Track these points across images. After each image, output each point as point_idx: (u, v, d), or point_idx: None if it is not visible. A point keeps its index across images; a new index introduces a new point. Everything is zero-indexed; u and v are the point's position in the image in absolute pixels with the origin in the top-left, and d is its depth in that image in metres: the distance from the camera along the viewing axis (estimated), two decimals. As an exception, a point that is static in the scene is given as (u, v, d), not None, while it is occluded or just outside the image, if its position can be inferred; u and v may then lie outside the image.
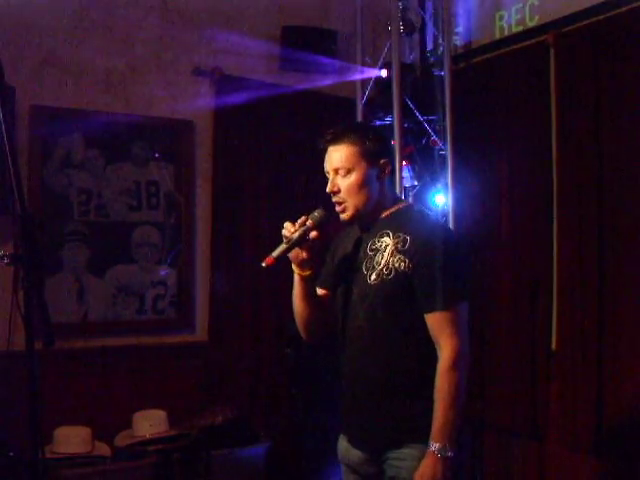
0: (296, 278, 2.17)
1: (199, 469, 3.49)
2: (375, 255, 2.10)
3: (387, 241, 2.10)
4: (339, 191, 2.12)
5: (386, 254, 2.08)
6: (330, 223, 2.13)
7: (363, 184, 2.11)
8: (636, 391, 3.20)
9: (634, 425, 3.21)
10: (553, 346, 3.62)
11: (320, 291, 2.28)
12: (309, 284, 2.17)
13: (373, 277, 2.08)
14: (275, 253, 2.05)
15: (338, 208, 2.15)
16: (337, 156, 2.12)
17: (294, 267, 2.14)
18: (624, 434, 3.26)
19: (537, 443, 3.68)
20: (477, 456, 3.96)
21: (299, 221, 2.09)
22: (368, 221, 2.18)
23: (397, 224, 2.12)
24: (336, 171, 2.12)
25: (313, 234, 2.07)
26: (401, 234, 2.08)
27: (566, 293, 3.54)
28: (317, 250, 2.11)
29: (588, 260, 3.41)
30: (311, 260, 2.11)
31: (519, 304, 3.77)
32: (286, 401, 4.03)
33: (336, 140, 2.13)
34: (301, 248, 2.08)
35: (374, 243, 2.13)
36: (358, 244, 2.19)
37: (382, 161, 2.14)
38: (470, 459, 3.95)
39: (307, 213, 2.10)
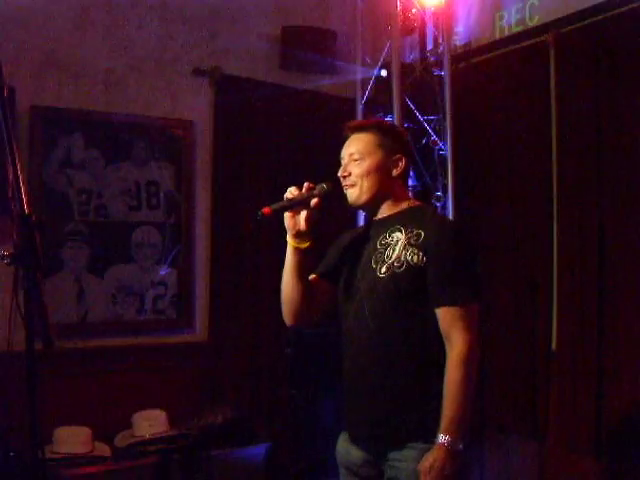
0: (290, 251, 2.14)
1: (199, 469, 3.49)
2: (386, 249, 2.10)
3: (399, 236, 2.09)
4: (349, 175, 2.15)
5: (398, 248, 2.07)
6: (334, 197, 2.13)
7: (374, 171, 2.13)
8: (636, 391, 3.20)
9: (634, 425, 3.21)
10: (553, 346, 3.62)
11: (312, 276, 2.23)
12: (304, 258, 2.14)
13: (383, 270, 2.07)
14: (274, 205, 2.05)
15: (346, 189, 2.16)
16: (355, 142, 2.17)
17: (290, 239, 2.12)
18: (624, 434, 3.26)
19: (537, 443, 3.68)
20: (477, 456, 3.96)
21: (305, 185, 2.10)
22: (376, 214, 2.19)
23: (410, 220, 2.11)
24: (351, 156, 2.15)
25: (314, 201, 2.07)
26: (415, 229, 2.08)
27: (566, 293, 3.54)
28: (315, 223, 2.10)
29: (588, 260, 3.41)
30: (308, 232, 2.10)
31: (519, 304, 3.76)
32: (286, 401, 4.02)
33: (359, 129, 2.19)
34: (299, 212, 2.07)
35: (385, 238, 2.12)
36: (367, 239, 2.18)
37: (397, 156, 2.16)
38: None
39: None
